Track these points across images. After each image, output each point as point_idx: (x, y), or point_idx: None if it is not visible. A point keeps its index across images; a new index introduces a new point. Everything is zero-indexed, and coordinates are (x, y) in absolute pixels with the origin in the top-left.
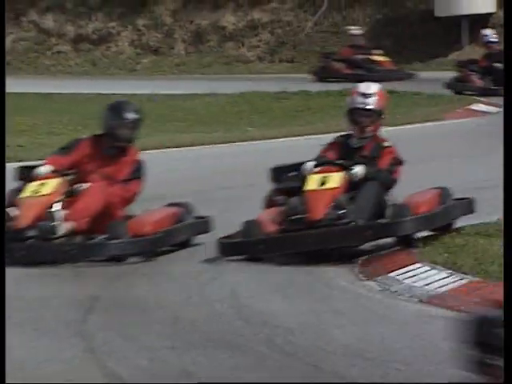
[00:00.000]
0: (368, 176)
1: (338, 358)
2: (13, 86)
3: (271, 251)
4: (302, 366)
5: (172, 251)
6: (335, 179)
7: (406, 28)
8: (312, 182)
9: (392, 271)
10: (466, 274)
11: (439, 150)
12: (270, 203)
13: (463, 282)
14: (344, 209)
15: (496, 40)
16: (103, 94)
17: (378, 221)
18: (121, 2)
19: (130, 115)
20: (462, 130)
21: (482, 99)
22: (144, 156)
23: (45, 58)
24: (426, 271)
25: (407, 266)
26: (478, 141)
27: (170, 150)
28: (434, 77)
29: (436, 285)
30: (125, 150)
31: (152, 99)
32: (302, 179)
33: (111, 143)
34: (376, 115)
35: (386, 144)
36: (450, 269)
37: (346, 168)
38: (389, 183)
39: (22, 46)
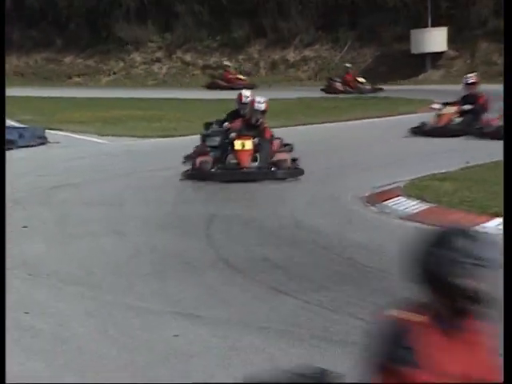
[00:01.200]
0: (262, 143)
1: (352, 249)
2: (171, 94)
3: (217, 179)
4: (329, 254)
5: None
6: (250, 144)
7: (394, 59)
8: (237, 145)
9: (384, 200)
10: (428, 202)
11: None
12: (203, 152)
13: (426, 207)
14: (256, 161)
15: (474, 81)
16: (218, 99)
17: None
18: (229, 45)
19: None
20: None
21: (438, 100)
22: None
23: (185, 78)
24: (404, 201)
25: (393, 197)
26: None
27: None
28: (410, 88)
29: (411, 209)
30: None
31: None
32: (230, 142)
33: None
34: (263, 113)
35: (266, 125)
36: (419, 199)
37: (253, 137)
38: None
39: (172, 71)
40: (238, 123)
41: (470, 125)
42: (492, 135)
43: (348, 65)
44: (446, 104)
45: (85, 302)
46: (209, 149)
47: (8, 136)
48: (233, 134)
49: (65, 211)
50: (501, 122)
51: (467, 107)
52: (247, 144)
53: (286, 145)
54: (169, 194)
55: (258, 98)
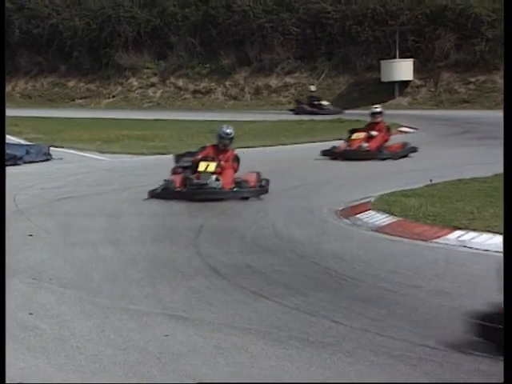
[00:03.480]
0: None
1: (328, 258)
2: (163, 115)
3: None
4: (307, 263)
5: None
6: (213, 166)
7: (365, 87)
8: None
9: (357, 214)
10: (395, 216)
11: None
12: (175, 172)
13: (394, 220)
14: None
15: (379, 111)
16: (206, 120)
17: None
18: (217, 72)
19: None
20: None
21: (405, 125)
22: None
23: (177, 101)
24: (375, 214)
25: (365, 211)
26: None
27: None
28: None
29: (380, 222)
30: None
31: None
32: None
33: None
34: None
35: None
36: (388, 213)
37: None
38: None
39: (165, 95)
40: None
41: (376, 149)
42: (393, 157)
43: (313, 89)
44: (355, 130)
45: (83, 305)
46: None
47: (15, 152)
48: (198, 157)
49: (67, 221)
50: (400, 149)
51: (374, 133)
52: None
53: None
54: (160, 207)
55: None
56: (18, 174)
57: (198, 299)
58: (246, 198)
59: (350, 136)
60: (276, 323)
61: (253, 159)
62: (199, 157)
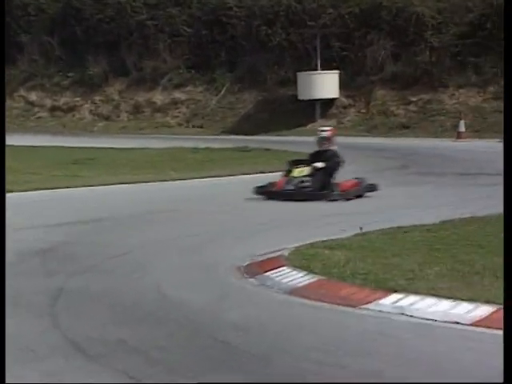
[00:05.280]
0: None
1: (227, 330)
2: (7, 140)
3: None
4: (201, 336)
5: None
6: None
7: (278, 106)
8: (295, 172)
9: (266, 271)
10: (316, 274)
11: None
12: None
13: (314, 279)
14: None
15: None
16: (69, 147)
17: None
18: (83, 84)
19: None
20: None
21: None
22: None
23: (30, 121)
24: (289, 272)
25: (276, 268)
26: None
27: (116, 186)
28: (297, 140)
29: (296, 281)
30: None
31: None
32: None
33: None
34: None
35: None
36: (306, 270)
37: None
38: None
39: (14, 112)
40: None
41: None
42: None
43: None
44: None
45: None
46: None
47: None
48: None
49: None
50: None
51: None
52: None
53: None
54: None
55: None
56: None
57: None
58: None
59: (290, 169)
60: None
61: (125, 199)
62: None
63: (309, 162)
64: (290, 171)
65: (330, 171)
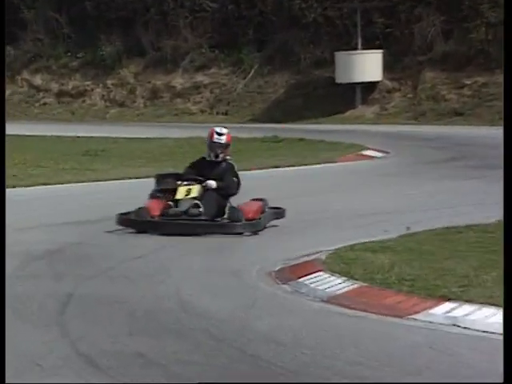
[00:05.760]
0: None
1: (257, 342)
2: (9, 129)
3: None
4: (227, 349)
5: None
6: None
7: (313, 90)
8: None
9: (300, 277)
10: (356, 280)
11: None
12: (153, 196)
13: (355, 286)
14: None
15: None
16: (78, 137)
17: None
18: (94, 65)
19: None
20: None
21: (370, 146)
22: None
23: (34, 108)
24: (327, 277)
25: (312, 273)
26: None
27: (130, 180)
28: (334, 129)
29: (334, 288)
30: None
31: None
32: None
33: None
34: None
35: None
36: (345, 276)
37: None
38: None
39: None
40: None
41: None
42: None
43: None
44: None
45: None
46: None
47: None
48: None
49: None
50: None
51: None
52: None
53: None
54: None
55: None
56: None
57: None
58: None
59: (166, 188)
60: None
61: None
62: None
63: (195, 178)
64: (165, 191)
65: (226, 192)
